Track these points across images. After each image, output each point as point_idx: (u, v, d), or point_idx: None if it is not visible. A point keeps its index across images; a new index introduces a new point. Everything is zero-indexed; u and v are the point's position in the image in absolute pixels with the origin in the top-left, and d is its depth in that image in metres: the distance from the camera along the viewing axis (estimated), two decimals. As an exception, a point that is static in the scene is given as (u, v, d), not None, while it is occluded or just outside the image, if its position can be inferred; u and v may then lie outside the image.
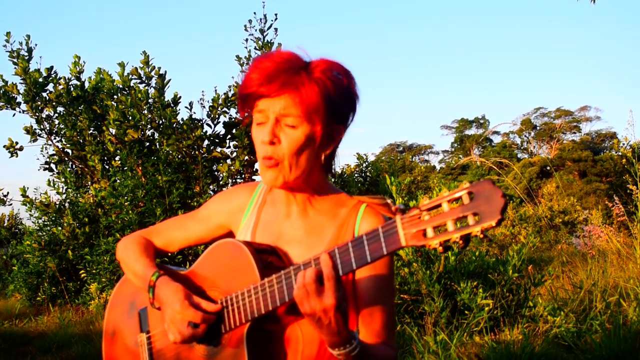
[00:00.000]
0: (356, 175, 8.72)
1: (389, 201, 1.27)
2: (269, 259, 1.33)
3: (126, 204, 6.48)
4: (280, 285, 1.22)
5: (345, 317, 1.17)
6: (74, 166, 7.65)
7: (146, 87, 7.09)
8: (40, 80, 7.30)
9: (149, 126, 7.07)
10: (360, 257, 1.12)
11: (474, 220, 0.97)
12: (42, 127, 7.58)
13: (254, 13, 7.31)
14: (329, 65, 1.30)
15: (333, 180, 8.28)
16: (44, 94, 7.43)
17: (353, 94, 1.34)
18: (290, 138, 1.29)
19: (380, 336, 1.35)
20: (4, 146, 7.31)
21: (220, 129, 7.42)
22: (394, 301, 1.41)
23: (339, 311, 1.15)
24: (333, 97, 1.29)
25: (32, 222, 7.60)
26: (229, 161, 7.15)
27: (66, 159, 7.62)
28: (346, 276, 1.35)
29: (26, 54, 7.24)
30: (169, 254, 6.17)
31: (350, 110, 1.36)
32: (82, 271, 6.69)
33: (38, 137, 7.59)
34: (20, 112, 7.46)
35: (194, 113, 7.22)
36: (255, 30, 7.20)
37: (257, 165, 7.32)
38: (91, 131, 7.45)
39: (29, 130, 7.51)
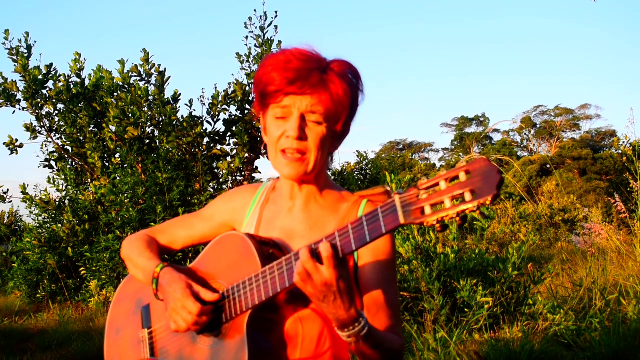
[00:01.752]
0: (356, 173, 8.72)
1: (388, 189, 1.31)
2: (270, 250, 1.36)
3: (126, 201, 6.49)
4: (281, 272, 1.24)
5: (350, 292, 1.18)
6: (74, 163, 7.65)
7: (146, 85, 7.09)
8: (40, 77, 7.30)
9: (149, 123, 7.07)
10: (359, 237, 1.13)
11: (471, 197, 0.99)
12: (42, 124, 7.58)
13: (254, 10, 7.31)
14: (348, 66, 1.35)
15: (333, 178, 8.28)
16: (44, 91, 7.43)
17: (363, 94, 1.40)
18: (315, 134, 1.33)
19: (387, 325, 1.36)
20: (4, 143, 7.31)
21: (220, 126, 7.43)
22: (397, 291, 1.43)
23: (341, 283, 1.15)
24: (354, 96, 1.35)
25: (32, 219, 7.61)
26: (229, 159, 7.15)
27: (66, 156, 7.62)
28: (349, 264, 1.36)
29: (26, 51, 7.24)
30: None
31: (360, 99, 1.41)
32: (82, 268, 6.69)
33: (38, 135, 7.59)
34: (20, 109, 7.47)
35: (194, 110, 7.22)
36: (256, 27, 7.20)
37: (257, 163, 7.35)
38: (91, 128, 7.45)
39: (29, 128, 7.51)
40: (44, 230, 7.35)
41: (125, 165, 6.84)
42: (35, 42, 7.27)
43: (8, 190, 7.73)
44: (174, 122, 6.88)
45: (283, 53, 1.33)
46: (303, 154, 1.33)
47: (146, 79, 7.13)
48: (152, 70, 7.12)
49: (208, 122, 7.22)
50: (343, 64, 1.34)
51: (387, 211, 1.09)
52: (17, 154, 7.39)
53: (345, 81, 1.32)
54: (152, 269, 1.45)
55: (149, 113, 6.98)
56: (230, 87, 7.24)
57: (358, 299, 1.39)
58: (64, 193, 7.37)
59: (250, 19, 7.17)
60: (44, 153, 7.69)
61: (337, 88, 1.30)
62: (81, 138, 7.41)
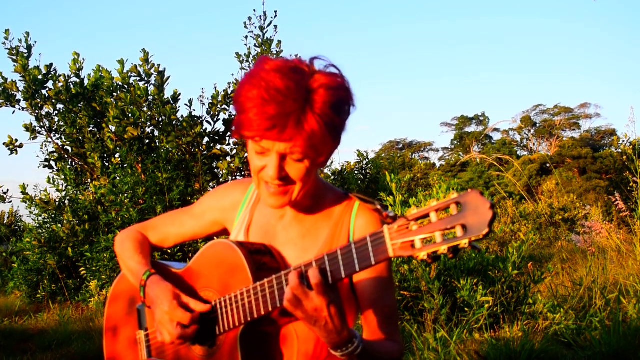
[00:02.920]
0: (356, 172, 8.72)
1: (379, 207, 1.24)
2: (263, 259, 1.33)
3: (126, 201, 6.49)
4: (272, 290, 1.22)
5: (341, 315, 1.17)
6: (73, 163, 7.65)
7: (146, 85, 7.09)
8: (40, 77, 7.29)
9: (148, 123, 7.06)
10: (348, 266, 1.11)
11: (462, 232, 0.95)
12: (41, 124, 7.58)
13: (254, 10, 7.31)
14: (332, 92, 1.23)
15: (333, 177, 8.26)
16: (44, 92, 7.43)
17: (353, 107, 1.30)
18: (297, 169, 1.27)
19: (384, 332, 1.35)
20: (4, 143, 7.31)
21: (220, 126, 7.43)
22: (394, 296, 1.41)
23: (332, 308, 1.14)
24: (337, 123, 1.25)
25: (32, 219, 7.61)
26: (228, 158, 7.16)
27: (66, 156, 7.62)
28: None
29: (25, 51, 7.24)
30: (169, 251, 6.20)
31: (347, 120, 1.31)
32: (82, 268, 6.69)
33: (38, 135, 7.59)
34: (20, 109, 7.47)
35: (194, 110, 7.22)
36: (255, 27, 7.20)
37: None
38: (91, 128, 7.44)
39: (28, 128, 7.51)
40: (44, 231, 7.35)
41: (125, 165, 6.84)
42: (35, 42, 7.28)
43: (8, 190, 7.74)
44: (174, 122, 6.88)
45: (258, 85, 1.20)
46: (286, 189, 1.29)
47: (146, 79, 7.12)
48: (152, 70, 7.11)
49: (208, 122, 7.23)
50: (327, 94, 1.21)
51: (376, 242, 1.07)
52: (17, 154, 7.40)
53: (325, 120, 1.21)
54: (140, 275, 1.43)
55: (149, 113, 6.98)
56: (230, 87, 7.24)
57: (351, 314, 1.37)
58: (63, 193, 7.36)
59: (249, 18, 7.18)
60: (43, 153, 7.69)
61: (316, 127, 1.21)
62: (81, 138, 7.41)
